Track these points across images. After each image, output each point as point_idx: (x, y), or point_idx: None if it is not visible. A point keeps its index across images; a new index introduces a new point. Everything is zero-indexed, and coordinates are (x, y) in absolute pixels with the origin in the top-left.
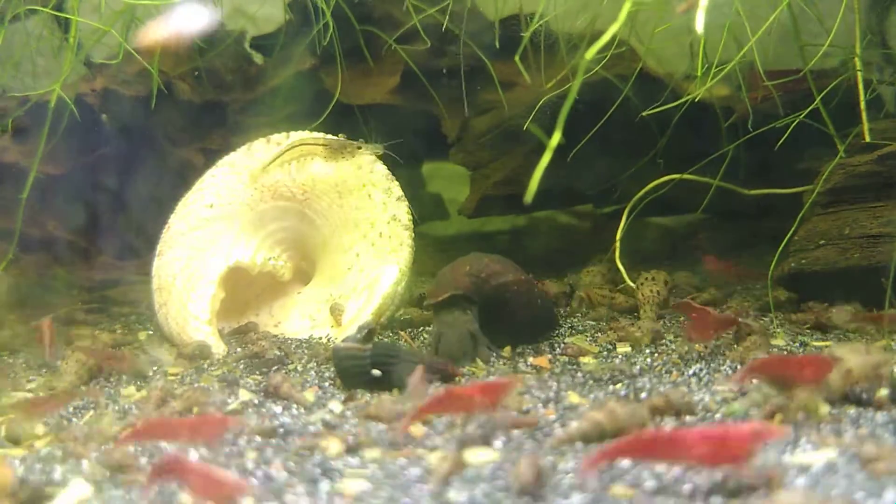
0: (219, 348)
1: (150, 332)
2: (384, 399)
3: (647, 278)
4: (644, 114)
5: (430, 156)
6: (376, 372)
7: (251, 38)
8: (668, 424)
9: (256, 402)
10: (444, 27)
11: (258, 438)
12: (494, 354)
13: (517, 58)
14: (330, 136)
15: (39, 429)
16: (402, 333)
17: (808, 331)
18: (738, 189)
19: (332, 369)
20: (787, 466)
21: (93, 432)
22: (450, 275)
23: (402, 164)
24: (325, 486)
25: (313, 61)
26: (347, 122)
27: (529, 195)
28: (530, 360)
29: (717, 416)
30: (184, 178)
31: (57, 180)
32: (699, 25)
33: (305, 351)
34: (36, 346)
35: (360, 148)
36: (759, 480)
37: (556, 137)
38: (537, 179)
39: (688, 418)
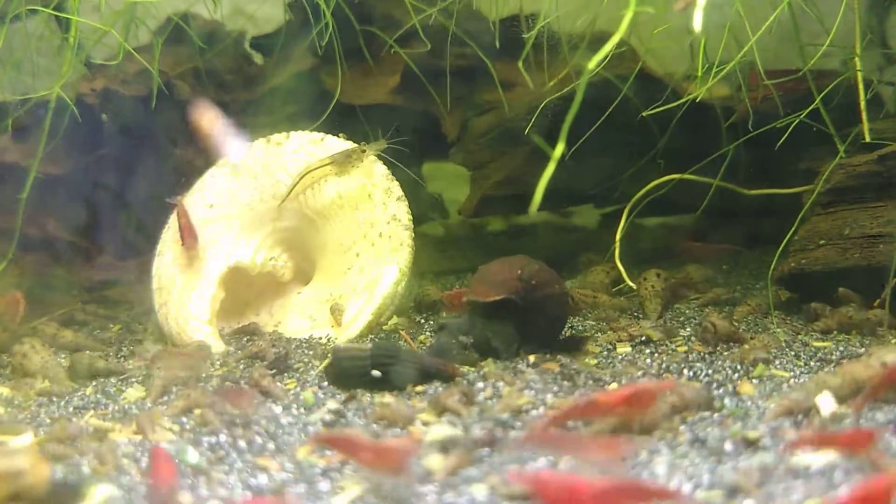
0: (219, 348)
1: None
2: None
3: (639, 280)
4: (644, 114)
5: (430, 156)
6: (376, 372)
7: (251, 38)
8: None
9: (256, 402)
10: (446, 29)
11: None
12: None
13: (520, 63)
14: (334, 152)
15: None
16: (402, 333)
17: (811, 332)
18: (738, 189)
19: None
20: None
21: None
22: (500, 276)
23: (413, 161)
24: (325, 486)
25: (313, 61)
26: (348, 122)
27: (534, 207)
28: (531, 357)
29: (717, 416)
30: (184, 178)
31: (57, 180)
32: (697, 25)
33: (305, 351)
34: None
35: (364, 151)
36: None
37: (560, 148)
38: (542, 191)
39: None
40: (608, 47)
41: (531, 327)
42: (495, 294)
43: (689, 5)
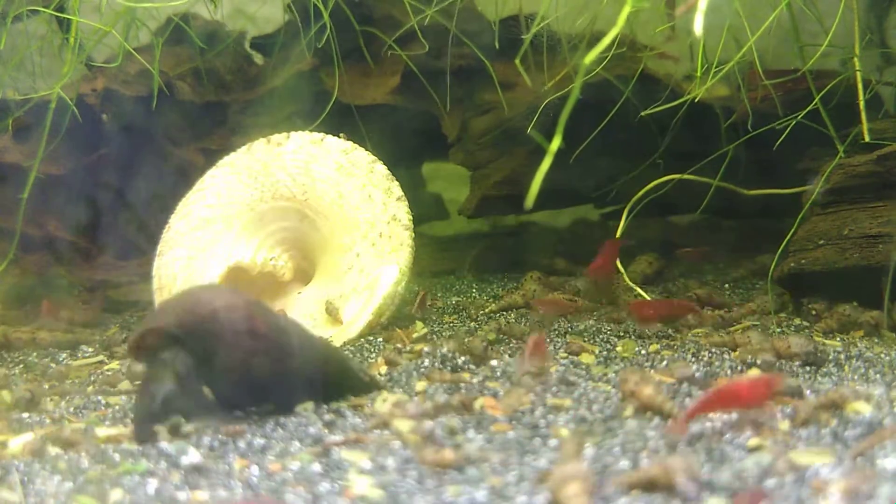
0: None
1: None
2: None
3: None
4: (644, 114)
5: (430, 156)
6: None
7: (251, 38)
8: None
9: None
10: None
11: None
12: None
13: (517, 60)
14: None
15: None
16: (399, 331)
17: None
18: (737, 189)
19: None
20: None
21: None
22: (152, 312)
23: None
24: (325, 485)
25: (313, 61)
26: (348, 123)
27: (530, 200)
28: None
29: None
30: (184, 178)
31: (58, 180)
32: (698, 27)
33: None
34: None
35: None
36: None
37: (557, 142)
38: (538, 183)
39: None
40: (607, 40)
41: (217, 367)
42: (138, 332)
43: (690, 8)
